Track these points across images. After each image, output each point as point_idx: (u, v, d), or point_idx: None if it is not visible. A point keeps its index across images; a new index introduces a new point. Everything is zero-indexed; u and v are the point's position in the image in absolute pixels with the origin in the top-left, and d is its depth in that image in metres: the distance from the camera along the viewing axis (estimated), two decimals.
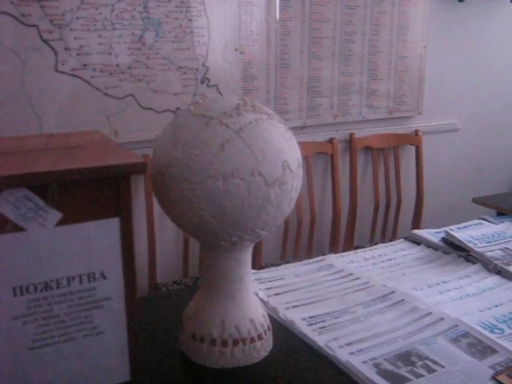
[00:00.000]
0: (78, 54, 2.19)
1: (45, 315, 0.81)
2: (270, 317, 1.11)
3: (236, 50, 2.53)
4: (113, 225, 0.82)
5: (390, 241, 1.65)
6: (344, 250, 2.33)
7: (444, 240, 1.53)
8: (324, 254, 1.55)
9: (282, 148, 0.90)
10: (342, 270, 1.39)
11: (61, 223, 0.79)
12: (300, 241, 2.86)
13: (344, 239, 3.06)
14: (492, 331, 1.10)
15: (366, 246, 2.49)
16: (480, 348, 1.04)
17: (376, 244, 1.61)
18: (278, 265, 1.49)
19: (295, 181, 0.93)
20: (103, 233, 0.82)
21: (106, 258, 0.83)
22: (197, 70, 2.45)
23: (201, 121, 0.89)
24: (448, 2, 3.17)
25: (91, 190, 0.80)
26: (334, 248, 2.98)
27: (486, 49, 3.39)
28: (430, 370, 0.97)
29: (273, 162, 0.88)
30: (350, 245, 3.01)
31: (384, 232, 3.15)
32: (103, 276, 0.83)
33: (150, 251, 2.48)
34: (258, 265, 2.57)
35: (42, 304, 0.81)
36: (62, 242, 0.79)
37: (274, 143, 0.89)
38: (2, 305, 0.78)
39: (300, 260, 1.49)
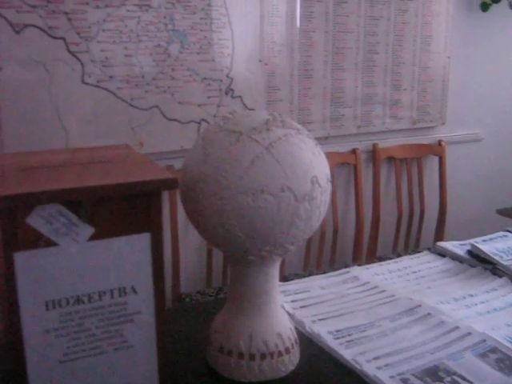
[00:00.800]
0: (103, 66, 2.21)
1: (76, 329, 0.82)
2: (296, 330, 1.11)
3: (260, 61, 2.55)
4: (144, 240, 0.83)
5: (413, 252, 1.65)
6: (367, 261, 2.33)
7: (469, 253, 1.52)
8: (347, 265, 1.54)
9: (311, 163, 0.90)
10: (368, 283, 1.39)
11: (93, 238, 0.80)
12: (323, 251, 2.85)
13: (367, 250, 3.05)
14: None
15: (388, 256, 2.48)
16: (508, 364, 1.03)
17: (399, 255, 1.61)
18: (301, 275, 1.50)
19: (324, 196, 0.93)
20: (134, 248, 0.82)
21: (137, 273, 0.84)
22: (221, 81, 2.47)
23: (231, 136, 0.90)
24: (471, 11, 3.16)
25: (123, 205, 0.81)
26: (356, 259, 2.97)
27: (510, 59, 3.37)
28: None
29: (302, 177, 0.89)
30: (372, 255, 3.01)
31: (407, 243, 3.14)
32: (134, 290, 0.84)
33: (173, 262, 2.49)
34: (281, 275, 2.57)
35: (74, 318, 0.82)
36: (94, 257, 0.80)
37: (303, 159, 0.90)
38: (34, 318, 0.79)
39: (323, 270, 1.49)
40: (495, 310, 1.25)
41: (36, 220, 0.76)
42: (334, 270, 1.48)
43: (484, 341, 1.10)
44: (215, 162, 0.89)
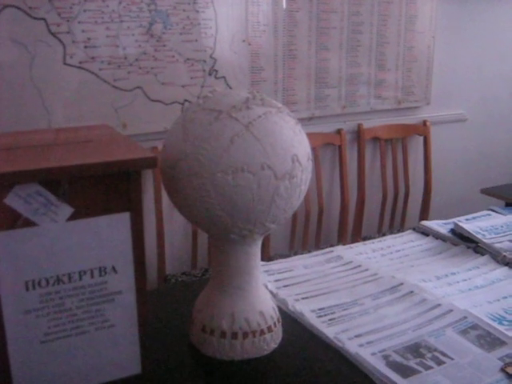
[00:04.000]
0: (85, 47, 2.19)
1: (57, 309, 0.82)
2: (279, 309, 1.11)
3: (243, 41, 2.53)
4: (123, 219, 0.83)
5: (398, 231, 1.65)
6: (352, 241, 2.34)
7: (452, 231, 1.53)
8: (332, 245, 1.55)
9: (291, 142, 0.90)
10: (351, 262, 1.40)
11: (72, 218, 0.79)
12: (308, 231, 2.86)
13: (352, 230, 3.06)
14: (501, 323, 1.10)
15: (373, 236, 2.49)
16: (489, 340, 1.04)
17: (384, 235, 1.62)
18: (286, 256, 1.50)
19: (304, 174, 0.93)
20: (114, 227, 0.82)
21: (117, 252, 0.84)
22: (204, 61, 2.45)
23: (210, 115, 0.90)
24: None
25: (102, 184, 0.80)
26: (341, 239, 2.98)
27: (495, 39, 3.37)
28: (439, 362, 0.98)
29: (282, 155, 0.89)
30: (357, 235, 3.01)
31: (392, 223, 3.15)
32: (114, 270, 0.84)
33: (158, 243, 2.48)
34: (266, 255, 2.58)
35: (54, 298, 0.81)
36: (74, 237, 0.80)
37: (283, 137, 0.89)
38: (14, 299, 0.79)
39: (308, 251, 1.50)
40: (477, 287, 1.26)
41: (14, 200, 0.76)
42: (319, 250, 1.48)
43: (465, 318, 1.11)
44: (195, 140, 0.88)
